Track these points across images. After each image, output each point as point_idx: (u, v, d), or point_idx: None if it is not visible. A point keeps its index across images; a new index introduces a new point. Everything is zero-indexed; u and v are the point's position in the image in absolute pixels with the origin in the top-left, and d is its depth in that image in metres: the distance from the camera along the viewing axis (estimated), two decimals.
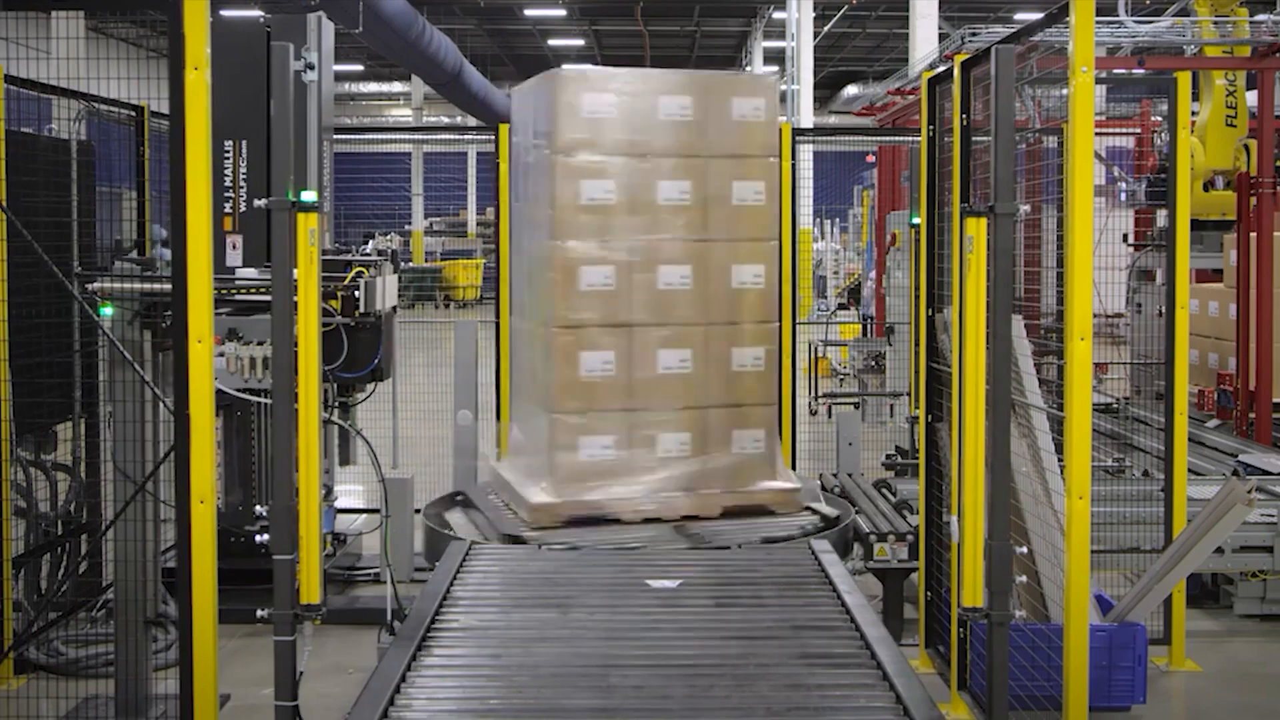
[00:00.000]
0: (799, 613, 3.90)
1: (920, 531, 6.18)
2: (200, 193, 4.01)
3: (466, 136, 18.29)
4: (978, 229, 4.67)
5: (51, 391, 6.23)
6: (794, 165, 7.47)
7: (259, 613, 4.22)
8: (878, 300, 14.36)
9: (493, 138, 7.58)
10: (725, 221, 5.30)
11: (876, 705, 3.21)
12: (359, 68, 34.58)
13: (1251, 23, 9.54)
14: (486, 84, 23.63)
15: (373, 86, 37.21)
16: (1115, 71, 9.91)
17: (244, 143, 6.30)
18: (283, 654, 4.16)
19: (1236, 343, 9.00)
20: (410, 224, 34.91)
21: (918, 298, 6.36)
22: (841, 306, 21.95)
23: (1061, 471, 4.57)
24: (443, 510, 5.86)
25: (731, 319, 5.29)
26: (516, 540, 4.98)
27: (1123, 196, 11.98)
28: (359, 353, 5.87)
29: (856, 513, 5.45)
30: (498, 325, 7.50)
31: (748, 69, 31.32)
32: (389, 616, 4.82)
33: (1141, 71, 9.60)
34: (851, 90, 34.12)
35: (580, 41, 33.08)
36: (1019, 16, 24.09)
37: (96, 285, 5.24)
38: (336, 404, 6.67)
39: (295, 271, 4.20)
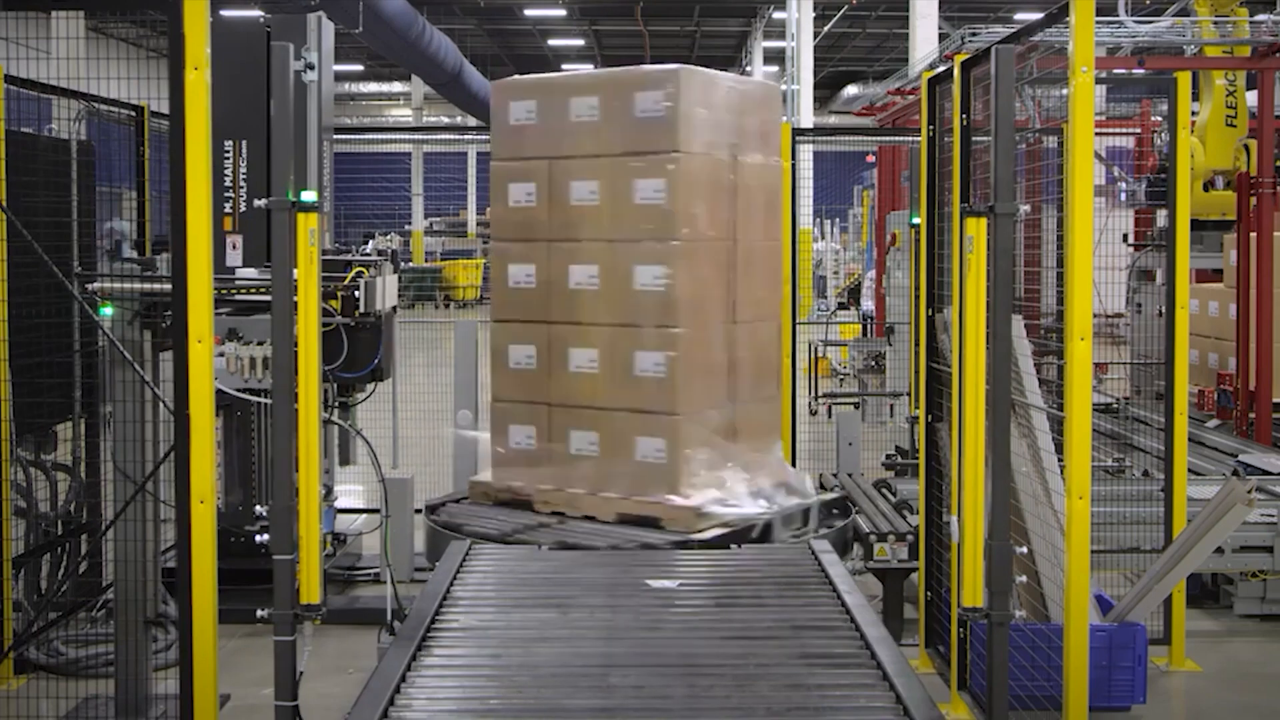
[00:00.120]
0: (799, 612, 3.89)
1: (920, 531, 6.18)
2: (200, 193, 4.01)
3: (466, 136, 18.31)
4: (978, 229, 4.66)
5: (51, 391, 6.23)
6: (794, 165, 7.47)
7: (259, 613, 4.22)
8: (878, 300, 14.36)
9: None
10: (628, 221, 5.13)
11: (876, 705, 3.20)
12: (359, 68, 34.63)
13: (1251, 23, 9.54)
14: (486, 84, 23.64)
15: (373, 86, 37.26)
16: (1115, 71, 9.91)
17: (244, 143, 6.29)
18: (283, 654, 4.17)
19: (1236, 343, 9.00)
20: (410, 224, 34.94)
21: (918, 298, 6.37)
22: (841, 306, 21.97)
23: (1061, 471, 4.58)
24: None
25: (633, 321, 5.10)
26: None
27: (1123, 196, 11.99)
28: (359, 353, 5.88)
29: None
30: None
31: (748, 69, 31.34)
32: (389, 616, 4.82)
33: (1141, 71, 9.61)
34: (851, 90, 34.17)
35: (580, 41, 33.12)
36: (1019, 16, 24.11)
37: (96, 285, 5.25)
38: (336, 404, 6.67)
39: (295, 271, 4.21)
